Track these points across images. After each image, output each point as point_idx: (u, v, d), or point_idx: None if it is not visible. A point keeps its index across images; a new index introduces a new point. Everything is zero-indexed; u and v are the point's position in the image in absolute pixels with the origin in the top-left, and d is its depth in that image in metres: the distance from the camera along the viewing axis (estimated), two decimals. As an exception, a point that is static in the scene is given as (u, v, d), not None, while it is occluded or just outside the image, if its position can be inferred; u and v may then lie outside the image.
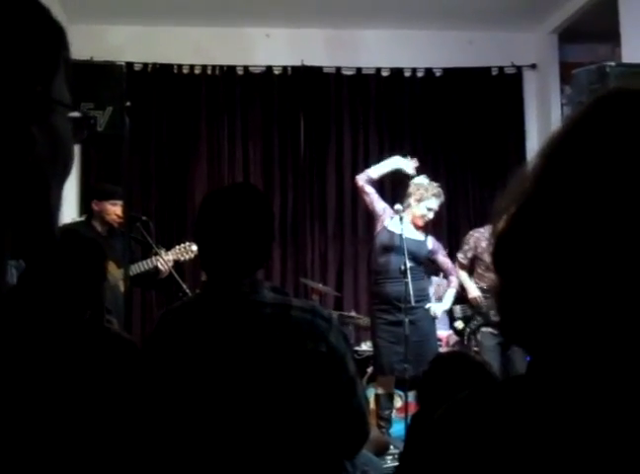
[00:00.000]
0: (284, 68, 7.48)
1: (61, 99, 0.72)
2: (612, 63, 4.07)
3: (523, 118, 7.70)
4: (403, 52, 7.43)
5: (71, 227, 4.53)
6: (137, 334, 6.31)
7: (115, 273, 4.47)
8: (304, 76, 7.45)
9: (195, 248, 4.86)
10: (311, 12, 7.03)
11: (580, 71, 4.04)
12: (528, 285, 0.72)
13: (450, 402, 0.80)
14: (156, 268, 4.82)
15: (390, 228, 5.21)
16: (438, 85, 7.57)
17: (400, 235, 5.07)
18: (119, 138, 3.98)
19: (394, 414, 5.52)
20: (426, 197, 5.24)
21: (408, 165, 5.44)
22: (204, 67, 7.40)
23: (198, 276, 6.33)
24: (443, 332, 5.99)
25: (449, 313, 5.50)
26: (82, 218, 5.23)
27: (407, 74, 7.60)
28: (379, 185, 5.51)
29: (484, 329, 5.45)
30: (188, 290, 4.80)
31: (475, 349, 5.32)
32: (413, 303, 4.96)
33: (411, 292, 4.93)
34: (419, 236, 5.33)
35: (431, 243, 5.41)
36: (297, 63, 7.42)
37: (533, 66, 7.68)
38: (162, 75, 7.33)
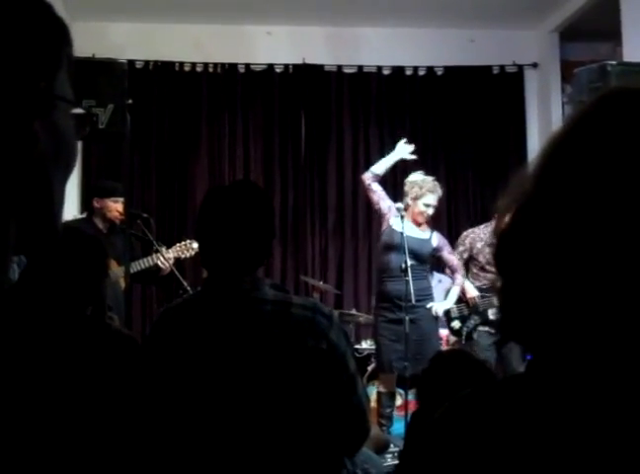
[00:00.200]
0: (286, 66, 7.48)
1: (64, 95, 0.72)
2: (613, 62, 4.08)
3: (524, 117, 7.71)
4: (404, 51, 7.44)
5: (72, 224, 4.52)
6: (138, 331, 6.31)
7: (115, 270, 4.47)
8: (305, 74, 7.46)
9: (195, 246, 4.86)
10: (313, 10, 7.03)
11: (581, 70, 4.05)
12: (529, 285, 0.72)
13: (451, 401, 0.80)
14: (157, 265, 4.83)
15: (394, 227, 5.20)
16: (439, 83, 7.57)
17: (401, 233, 5.06)
18: (120, 136, 3.98)
19: (394, 412, 5.52)
20: (421, 195, 5.23)
21: (405, 153, 5.45)
22: (206, 65, 7.40)
23: (198, 273, 6.34)
24: (444, 330, 5.99)
25: (446, 313, 5.49)
26: (83, 215, 5.23)
27: (408, 72, 7.60)
28: (382, 183, 5.49)
29: (481, 328, 5.45)
30: (188, 288, 4.80)
31: (473, 348, 5.32)
32: (413, 302, 4.96)
33: (411, 291, 4.93)
34: (422, 234, 5.30)
35: (436, 240, 5.37)
36: (299, 61, 7.42)
37: (535, 65, 7.68)
38: (163, 73, 7.33)
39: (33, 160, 0.68)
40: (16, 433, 0.67)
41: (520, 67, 7.69)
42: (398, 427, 5.26)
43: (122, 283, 4.51)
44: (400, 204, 5.23)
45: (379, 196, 5.33)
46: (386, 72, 7.58)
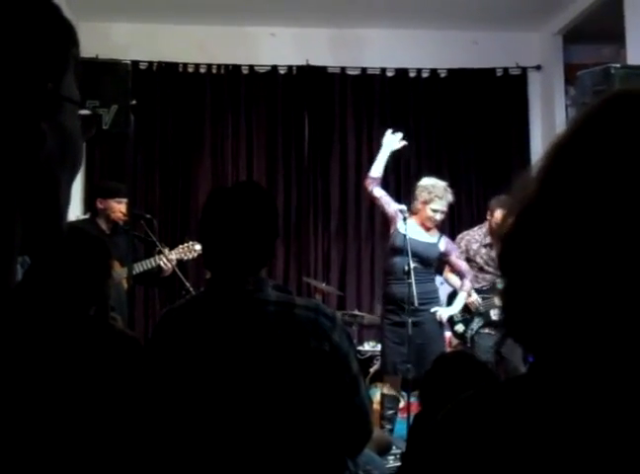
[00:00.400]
0: (289, 68, 7.48)
1: (71, 96, 0.72)
2: (617, 65, 4.08)
3: (528, 119, 7.70)
4: (408, 53, 7.43)
5: (75, 225, 4.53)
6: (140, 332, 6.32)
7: (118, 270, 4.48)
8: (309, 76, 7.46)
9: (198, 247, 4.86)
10: (316, 11, 7.03)
11: (584, 73, 4.05)
12: (533, 286, 0.73)
13: (454, 402, 0.81)
14: (159, 266, 4.83)
15: (401, 230, 5.17)
16: (442, 85, 7.57)
17: (404, 235, 5.06)
18: (123, 136, 3.98)
19: (397, 414, 5.52)
20: (430, 200, 5.18)
21: (395, 143, 5.38)
22: (209, 66, 7.40)
23: (200, 274, 6.34)
24: (447, 333, 5.98)
25: (449, 317, 5.46)
26: (86, 216, 5.24)
27: (412, 74, 7.60)
28: (384, 186, 5.47)
29: (483, 330, 5.44)
30: (191, 289, 4.80)
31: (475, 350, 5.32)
32: (417, 305, 4.95)
33: (414, 293, 4.92)
34: (430, 238, 5.27)
35: (444, 245, 5.33)
36: (302, 63, 7.43)
37: (538, 67, 7.68)
38: (167, 74, 7.34)
39: (39, 161, 0.68)
40: (18, 433, 0.67)
41: (524, 69, 7.68)
42: (400, 428, 5.26)
43: (125, 284, 4.52)
44: (403, 206, 5.21)
45: (384, 201, 5.30)
46: (390, 74, 7.58)
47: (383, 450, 4.15)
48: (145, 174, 7.24)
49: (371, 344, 6.43)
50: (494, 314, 5.40)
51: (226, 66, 7.42)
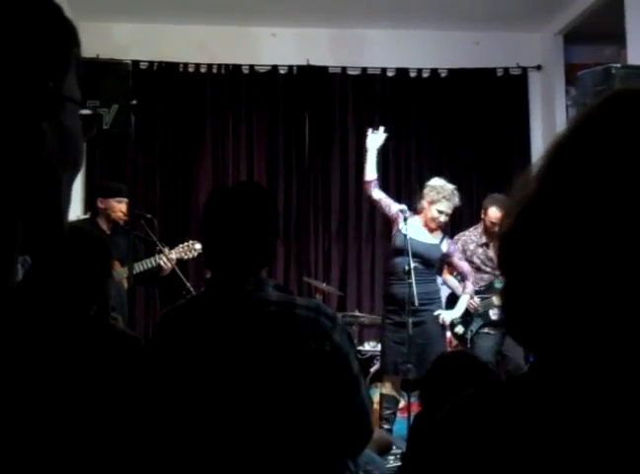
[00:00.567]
0: (290, 67, 7.48)
1: (72, 96, 0.72)
2: (618, 65, 4.08)
3: (528, 120, 7.70)
4: (408, 53, 7.43)
5: (76, 225, 4.53)
6: (141, 332, 6.32)
7: (119, 270, 4.48)
8: (310, 76, 7.46)
9: (198, 246, 4.86)
10: (317, 11, 7.03)
11: (585, 73, 4.05)
12: (533, 285, 0.73)
13: (453, 402, 0.81)
14: (159, 265, 4.83)
15: (403, 230, 5.17)
16: (443, 85, 7.57)
17: (405, 235, 5.06)
18: (124, 136, 3.98)
19: (397, 414, 5.52)
20: (437, 200, 5.16)
21: (378, 140, 5.41)
22: (210, 66, 7.40)
23: (201, 274, 6.34)
24: (448, 333, 5.98)
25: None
26: (86, 216, 5.24)
27: (412, 74, 7.60)
28: (385, 186, 5.47)
29: (483, 330, 5.45)
30: (192, 289, 4.81)
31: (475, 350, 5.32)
32: (417, 304, 4.95)
33: (414, 293, 4.92)
34: (432, 239, 5.26)
35: (446, 246, 5.32)
36: (303, 63, 7.42)
37: (539, 67, 7.68)
38: (168, 73, 7.34)
39: (40, 160, 0.68)
40: (18, 433, 0.67)
41: (525, 70, 7.68)
42: (401, 428, 5.26)
43: (126, 284, 4.52)
44: (403, 206, 5.22)
45: (384, 203, 5.29)
46: (390, 74, 7.57)
47: (384, 450, 4.14)
48: (146, 174, 7.24)
49: (372, 344, 6.42)
50: (493, 314, 5.40)
51: (227, 66, 7.42)
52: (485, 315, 5.43)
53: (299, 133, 7.48)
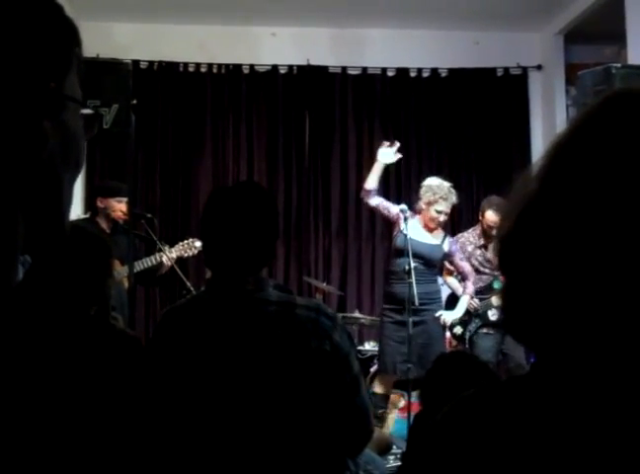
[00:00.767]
0: (290, 67, 7.48)
1: (74, 96, 0.72)
2: (618, 65, 4.08)
3: (528, 119, 7.70)
4: (409, 52, 7.44)
5: (77, 224, 4.53)
6: (141, 331, 6.33)
7: (119, 269, 4.48)
8: (310, 75, 7.46)
9: (198, 244, 4.86)
10: (317, 11, 7.03)
11: (585, 73, 4.05)
12: (533, 285, 0.73)
13: (454, 401, 0.81)
14: (159, 263, 4.83)
15: (404, 231, 5.17)
16: (443, 85, 7.57)
17: (405, 235, 5.06)
18: (124, 136, 3.98)
19: (397, 414, 5.52)
20: (434, 201, 5.16)
21: (390, 156, 5.25)
22: (210, 66, 7.40)
23: (201, 274, 6.34)
24: (447, 333, 5.99)
25: None
26: (86, 215, 5.24)
27: (412, 74, 7.60)
28: (385, 186, 5.46)
29: (482, 330, 5.46)
30: (192, 288, 4.81)
31: (475, 350, 5.33)
32: (417, 304, 4.95)
33: (415, 293, 4.92)
34: (433, 239, 5.26)
35: (447, 246, 5.33)
36: (303, 62, 7.43)
37: (539, 67, 7.68)
38: (168, 73, 7.34)
39: (42, 159, 0.68)
40: (18, 433, 0.67)
41: (525, 69, 7.68)
42: (401, 428, 5.26)
43: (126, 284, 4.52)
44: (403, 205, 5.22)
45: (383, 207, 5.28)
46: (390, 74, 7.58)
47: (384, 450, 4.15)
48: (146, 173, 7.24)
49: (372, 344, 6.43)
50: (491, 315, 5.41)
51: (227, 66, 7.42)
52: (484, 316, 5.45)
53: (299, 133, 7.48)
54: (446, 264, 5.61)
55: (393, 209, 5.24)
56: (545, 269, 0.71)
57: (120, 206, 4.85)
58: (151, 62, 7.31)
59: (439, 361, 2.79)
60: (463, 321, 5.47)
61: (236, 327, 1.94)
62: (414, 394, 4.82)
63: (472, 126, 7.52)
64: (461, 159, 7.54)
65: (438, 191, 5.17)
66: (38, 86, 0.67)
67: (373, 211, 5.66)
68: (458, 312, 5.38)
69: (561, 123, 7.05)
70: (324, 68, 7.48)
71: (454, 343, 5.73)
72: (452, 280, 5.65)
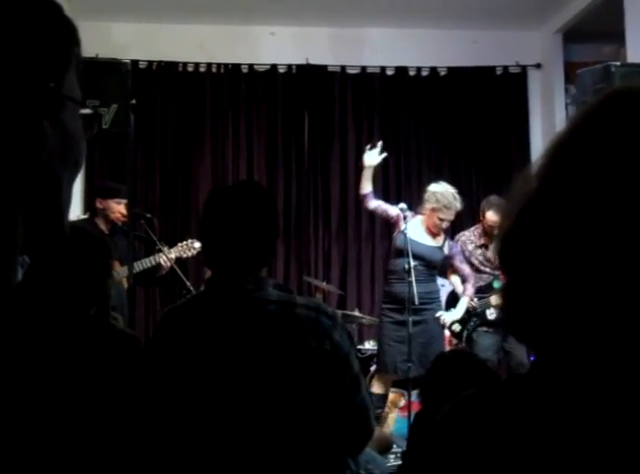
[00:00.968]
0: (289, 66, 7.48)
1: (73, 95, 0.72)
2: (617, 63, 4.08)
3: (528, 118, 7.69)
4: (408, 51, 7.43)
5: (76, 224, 4.53)
6: (141, 331, 6.33)
7: (118, 270, 4.48)
8: (309, 74, 7.46)
9: (197, 245, 4.86)
10: (316, 10, 7.03)
11: (584, 71, 4.05)
12: (534, 284, 0.73)
13: (455, 401, 0.81)
14: (158, 264, 4.83)
15: (405, 230, 5.17)
16: (442, 84, 7.57)
17: (405, 234, 5.06)
18: (123, 136, 3.98)
19: (397, 413, 5.52)
20: (438, 209, 5.16)
21: (375, 157, 5.31)
22: (209, 65, 7.40)
23: (201, 274, 6.34)
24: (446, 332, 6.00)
25: None
26: (85, 216, 5.24)
27: (412, 73, 7.60)
28: (385, 186, 5.46)
29: (480, 329, 5.47)
30: (192, 288, 4.80)
31: (474, 349, 5.33)
32: (417, 303, 4.96)
33: (414, 292, 4.92)
34: (434, 242, 5.28)
35: (447, 248, 5.36)
36: (302, 61, 7.42)
37: (538, 66, 7.67)
38: (167, 73, 7.34)
39: (41, 160, 0.68)
40: (18, 433, 0.67)
41: (524, 68, 7.68)
42: (401, 427, 5.26)
43: (126, 284, 4.52)
44: (403, 205, 5.22)
45: (382, 209, 5.29)
46: (390, 73, 7.58)
47: (384, 449, 4.15)
48: (145, 173, 7.24)
49: (372, 343, 6.42)
50: (490, 314, 5.43)
51: (226, 65, 7.42)
52: (482, 315, 5.46)
53: (299, 132, 7.48)
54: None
55: (392, 211, 5.24)
56: (545, 267, 0.71)
57: (118, 208, 4.84)
58: (150, 62, 7.31)
59: (438, 360, 2.79)
60: (462, 319, 5.48)
61: (236, 326, 1.94)
62: (414, 393, 4.82)
63: (471, 125, 7.52)
64: (461, 158, 7.54)
65: (441, 199, 5.17)
66: (37, 86, 0.67)
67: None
68: (458, 313, 5.40)
69: (560, 122, 7.05)
70: (323, 67, 7.48)
71: (454, 341, 5.74)
72: (456, 279, 5.65)
